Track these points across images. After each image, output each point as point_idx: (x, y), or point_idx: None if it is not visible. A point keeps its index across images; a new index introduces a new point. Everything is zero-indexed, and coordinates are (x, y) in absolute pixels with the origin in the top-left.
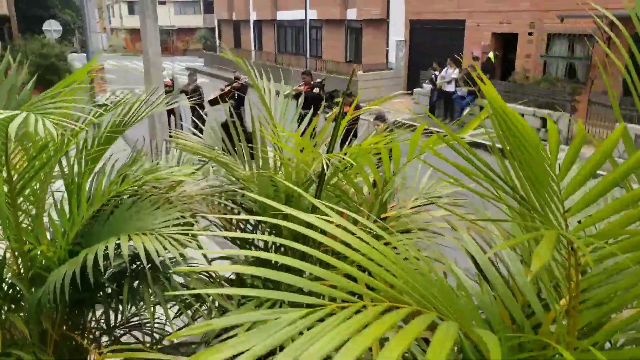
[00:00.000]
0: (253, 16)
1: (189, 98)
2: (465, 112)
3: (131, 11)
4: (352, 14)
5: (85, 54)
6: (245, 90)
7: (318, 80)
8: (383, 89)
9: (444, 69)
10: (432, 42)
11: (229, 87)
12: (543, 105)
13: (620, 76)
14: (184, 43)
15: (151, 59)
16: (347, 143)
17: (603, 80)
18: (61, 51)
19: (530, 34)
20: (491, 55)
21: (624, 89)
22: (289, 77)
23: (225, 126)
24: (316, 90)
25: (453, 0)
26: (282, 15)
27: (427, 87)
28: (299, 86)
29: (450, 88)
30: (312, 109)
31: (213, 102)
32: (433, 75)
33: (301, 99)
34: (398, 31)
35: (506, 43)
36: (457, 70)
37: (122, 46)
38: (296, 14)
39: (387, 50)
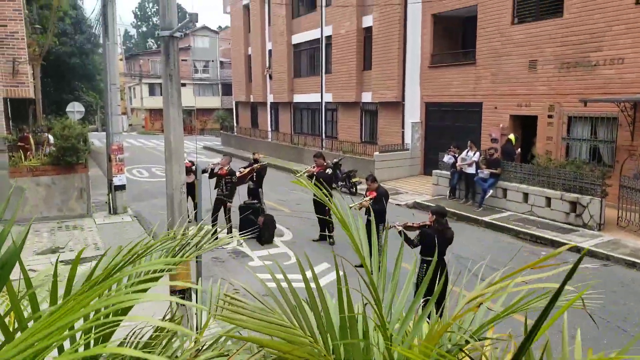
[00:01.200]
0: (270, 99)
1: (229, 181)
2: (488, 195)
3: (151, 92)
4: (367, 97)
5: (105, 133)
6: (265, 170)
7: (334, 160)
8: (399, 170)
9: (465, 151)
10: (449, 124)
11: (249, 169)
12: (571, 188)
13: None
14: (202, 122)
15: (173, 145)
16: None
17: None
18: (82, 132)
19: (550, 116)
20: (512, 137)
21: None
22: (303, 156)
23: (243, 208)
24: (329, 170)
25: (469, 83)
26: (299, 98)
27: (447, 157)
28: (312, 167)
29: (472, 170)
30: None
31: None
32: (452, 157)
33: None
34: (414, 113)
35: (525, 125)
36: (477, 152)
37: (141, 125)
38: (312, 97)
39: (403, 132)
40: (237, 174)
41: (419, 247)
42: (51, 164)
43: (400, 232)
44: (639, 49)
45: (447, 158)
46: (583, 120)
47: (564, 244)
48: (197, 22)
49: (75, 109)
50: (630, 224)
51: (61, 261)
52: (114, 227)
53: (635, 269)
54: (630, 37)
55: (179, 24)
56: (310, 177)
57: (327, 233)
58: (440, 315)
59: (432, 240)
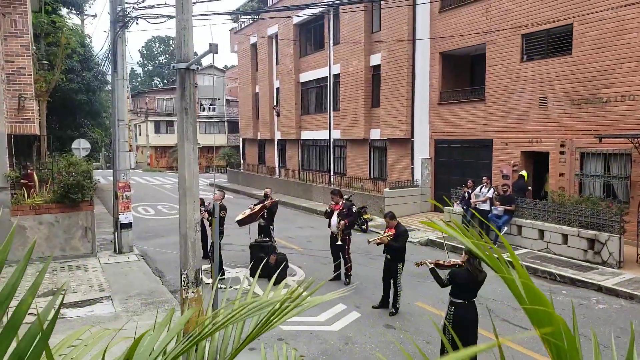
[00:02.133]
0: (277, 135)
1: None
2: (503, 232)
3: (157, 130)
4: (376, 134)
5: (109, 170)
6: (276, 207)
7: (345, 196)
8: (409, 206)
9: (478, 188)
10: (459, 160)
11: (260, 206)
12: (588, 225)
13: None
14: (207, 160)
15: (187, 182)
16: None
17: None
18: (87, 169)
19: (562, 152)
20: (524, 173)
21: None
22: (312, 192)
23: (254, 247)
24: (354, 208)
25: (479, 120)
26: (306, 135)
27: (458, 207)
28: (331, 204)
29: (485, 207)
30: (347, 226)
31: (243, 222)
32: (466, 194)
33: (336, 217)
34: (423, 149)
35: (536, 161)
36: (492, 189)
37: (147, 163)
38: (320, 134)
39: (413, 168)
40: (248, 211)
41: (448, 288)
42: (55, 202)
43: (431, 270)
44: None
45: (457, 208)
46: (596, 157)
47: (584, 282)
48: (216, 52)
49: (81, 146)
50: None
51: (64, 304)
52: (119, 267)
53: None
54: None
55: (197, 56)
56: (330, 214)
57: (338, 271)
58: None
59: (464, 280)
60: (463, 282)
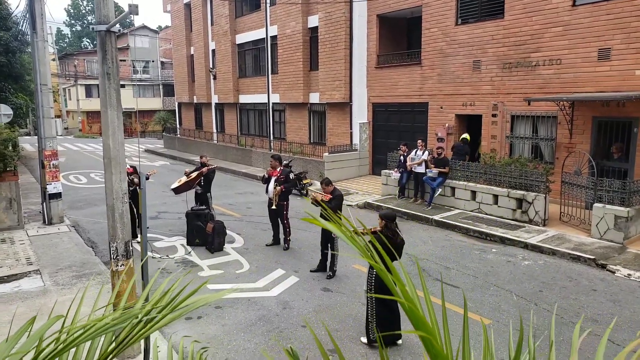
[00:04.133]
0: (215, 99)
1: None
2: (437, 194)
3: (88, 94)
4: (315, 98)
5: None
6: (214, 174)
7: (284, 162)
8: (349, 170)
9: (413, 151)
10: (395, 124)
11: (196, 173)
12: (516, 186)
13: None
14: (142, 125)
15: (112, 151)
16: None
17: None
18: (9, 137)
19: (494, 115)
20: (467, 136)
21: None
22: (251, 157)
23: (190, 215)
24: (291, 175)
25: (415, 84)
26: (245, 98)
27: (396, 175)
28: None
29: (421, 169)
30: (284, 192)
31: (179, 190)
32: (402, 157)
33: (273, 184)
34: (361, 113)
35: (470, 124)
36: (427, 152)
37: (78, 129)
38: (259, 98)
39: (351, 132)
40: (184, 178)
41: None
42: None
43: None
44: (574, 50)
45: (394, 175)
46: (525, 119)
47: (512, 240)
48: (137, 14)
49: (1, 112)
50: (572, 219)
51: None
52: (48, 239)
53: (579, 263)
54: (566, 39)
55: (117, 17)
56: (267, 178)
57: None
58: None
59: (384, 246)
60: (386, 248)
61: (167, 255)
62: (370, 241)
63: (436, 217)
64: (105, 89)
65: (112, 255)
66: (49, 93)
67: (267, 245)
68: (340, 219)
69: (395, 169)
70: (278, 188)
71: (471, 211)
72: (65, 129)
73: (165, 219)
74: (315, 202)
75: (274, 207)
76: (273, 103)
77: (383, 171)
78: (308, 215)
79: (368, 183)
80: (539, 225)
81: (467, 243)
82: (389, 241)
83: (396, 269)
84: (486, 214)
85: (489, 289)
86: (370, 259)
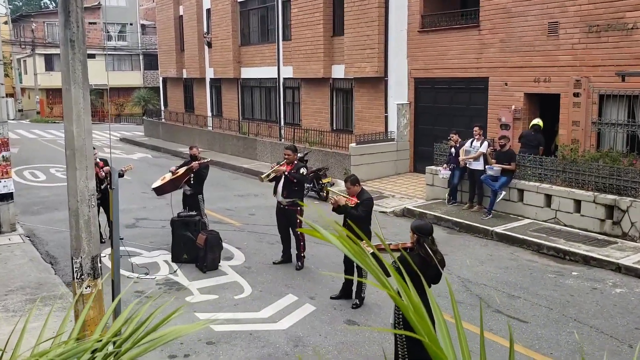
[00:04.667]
0: (210, 74)
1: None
2: (499, 198)
3: (49, 66)
4: (339, 72)
5: None
6: (207, 170)
7: (299, 154)
8: (382, 166)
9: (468, 141)
10: (445, 105)
11: (184, 169)
12: (606, 188)
13: None
14: (117, 106)
15: (77, 140)
16: None
17: None
18: None
19: (576, 94)
20: (539, 122)
21: None
22: (256, 149)
23: (176, 223)
24: (303, 170)
25: (471, 53)
26: (248, 72)
27: (445, 173)
28: (279, 165)
29: (478, 165)
30: (296, 189)
31: (162, 190)
32: (452, 149)
33: (283, 183)
34: (400, 92)
35: (544, 107)
36: (486, 142)
37: (36, 111)
38: (266, 72)
39: (387, 117)
40: (169, 175)
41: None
42: None
43: (373, 257)
44: None
45: (443, 173)
46: (618, 100)
47: (600, 260)
48: None
49: None
50: None
51: None
52: None
53: None
54: None
55: None
56: (274, 178)
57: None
58: None
59: (414, 269)
60: (414, 271)
61: (145, 273)
62: (394, 263)
63: (498, 229)
64: (67, 61)
65: (75, 274)
66: None
67: (274, 263)
68: (364, 232)
69: (445, 165)
70: (283, 167)
71: (545, 221)
72: (19, 111)
73: (144, 227)
74: (337, 209)
75: (281, 201)
76: (285, 78)
77: (428, 168)
78: (317, 226)
79: (408, 183)
80: (635, 241)
81: (539, 264)
82: (422, 262)
83: (426, 298)
84: (565, 225)
85: (567, 324)
86: (387, 287)
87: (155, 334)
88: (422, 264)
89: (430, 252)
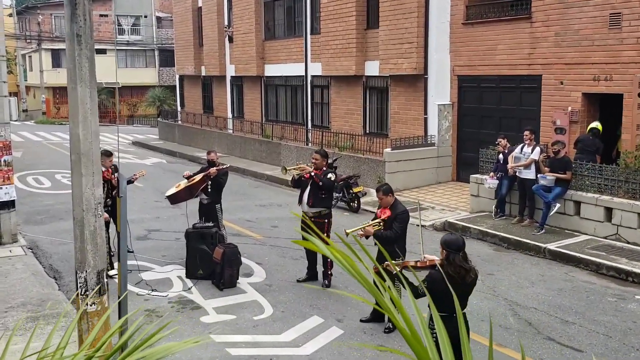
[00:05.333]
0: (231, 71)
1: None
2: (553, 211)
3: (56, 62)
4: (373, 69)
5: None
6: (226, 177)
7: (329, 160)
8: (421, 174)
9: (518, 147)
10: (493, 106)
11: (200, 176)
12: None
13: None
14: (130, 107)
15: (83, 144)
16: None
17: None
18: None
19: None
20: (598, 125)
21: None
22: (280, 154)
23: (191, 235)
24: (331, 176)
25: (522, 48)
26: (273, 69)
27: (491, 182)
28: (307, 164)
29: (529, 174)
30: (324, 197)
31: (177, 198)
32: (500, 156)
33: (309, 190)
34: (441, 92)
35: (604, 108)
36: (538, 148)
37: (42, 111)
38: (292, 69)
39: (426, 119)
40: (184, 182)
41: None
42: None
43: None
44: None
45: (490, 182)
46: None
47: None
48: None
49: None
50: None
51: None
52: None
53: None
54: None
55: None
56: (298, 180)
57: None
58: None
59: (444, 286)
60: (444, 289)
61: (152, 289)
62: (417, 287)
63: (551, 246)
64: (74, 57)
65: (79, 290)
66: (2, 62)
67: (299, 280)
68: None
69: (492, 174)
70: (309, 168)
71: (605, 238)
72: (23, 111)
73: (157, 239)
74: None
75: (306, 212)
76: (313, 76)
77: (473, 176)
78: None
79: (450, 193)
80: None
81: (598, 285)
82: (451, 282)
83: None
84: (627, 242)
85: (628, 355)
86: (396, 319)
87: (145, 351)
88: (451, 281)
89: (462, 267)
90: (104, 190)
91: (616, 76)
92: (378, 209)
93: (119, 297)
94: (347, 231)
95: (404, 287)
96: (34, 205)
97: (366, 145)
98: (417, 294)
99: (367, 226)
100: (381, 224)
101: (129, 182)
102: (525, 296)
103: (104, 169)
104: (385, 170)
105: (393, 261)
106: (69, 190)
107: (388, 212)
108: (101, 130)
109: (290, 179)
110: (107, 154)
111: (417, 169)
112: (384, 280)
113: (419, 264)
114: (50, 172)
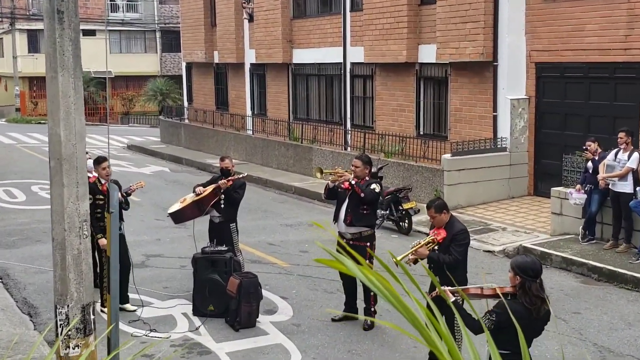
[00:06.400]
0: (251, 57)
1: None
2: None
3: (33, 47)
4: (428, 54)
5: None
6: (243, 190)
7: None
8: (489, 186)
9: (611, 153)
10: (580, 101)
11: (211, 188)
12: None
13: None
14: (125, 102)
15: (64, 146)
16: None
17: None
18: None
19: None
20: None
21: None
22: (311, 161)
23: (200, 262)
24: (375, 187)
25: (616, 29)
26: (302, 56)
27: (579, 197)
28: (347, 170)
29: (626, 187)
30: (366, 213)
31: (181, 216)
32: (589, 164)
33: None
34: (515, 83)
35: None
36: (636, 154)
37: (15, 107)
38: (327, 55)
39: (495, 117)
40: (191, 196)
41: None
42: None
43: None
44: None
45: (576, 197)
46: None
47: None
48: None
49: None
50: None
51: None
52: None
53: None
54: None
55: None
56: (333, 190)
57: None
58: None
59: (519, 320)
60: (514, 324)
61: (151, 329)
62: (491, 315)
63: None
64: (54, 39)
65: (58, 329)
66: None
67: (334, 320)
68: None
69: (578, 186)
70: (348, 175)
71: None
72: None
73: (157, 267)
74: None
75: (344, 233)
76: (352, 64)
77: (554, 189)
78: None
79: (526, 211)
80: None
81: None
82: (526, 312)
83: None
84: None
85: None
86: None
87: None
88: (525, 315)
89: (537, 297)
90: (98, 207)
91: None
92: (430, 229)
93: (108, 339)
94: (396, 259)
95: (458, 319)
96: (5, 224)
97: (420, 150)
98: (476, 329)
99: (419, 247)
100: (438, 244)
101: (126, 194)
102: (620, 340)
103: (103, 181)
104: (444, 181)
105: (446, 288)
106: (48, 206)
107: (443, 233)
108: (88, 130)
109: (324, 188)
110: (100, 160)
111: (484, 180)
112: (435, 316)
113: (488, 291)
114: (25, 183)
